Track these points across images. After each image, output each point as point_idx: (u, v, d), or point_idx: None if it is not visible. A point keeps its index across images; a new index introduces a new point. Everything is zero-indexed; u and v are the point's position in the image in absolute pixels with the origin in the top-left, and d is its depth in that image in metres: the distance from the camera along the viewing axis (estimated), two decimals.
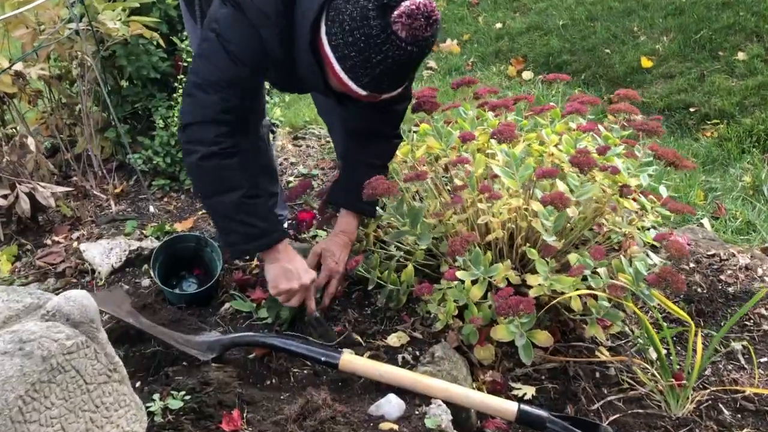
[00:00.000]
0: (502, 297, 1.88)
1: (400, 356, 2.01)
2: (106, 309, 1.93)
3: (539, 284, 2.00)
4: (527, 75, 4.68)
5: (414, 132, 2.52)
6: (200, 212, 3.01)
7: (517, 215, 2.16)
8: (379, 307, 2.20)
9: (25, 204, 2.75)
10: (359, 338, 2.07)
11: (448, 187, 2.30)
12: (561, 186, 2.07)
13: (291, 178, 3.28)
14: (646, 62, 4.42)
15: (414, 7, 1.55)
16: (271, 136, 2.75)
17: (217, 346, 1.92)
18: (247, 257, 2.41)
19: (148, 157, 3.17)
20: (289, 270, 1.98)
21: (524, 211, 2.14)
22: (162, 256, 2.29)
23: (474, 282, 1.99)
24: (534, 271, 2.18)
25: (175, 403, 1.70)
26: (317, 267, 2.14)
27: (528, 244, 2.16)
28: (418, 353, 2.03)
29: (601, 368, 2.09)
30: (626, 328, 2.18)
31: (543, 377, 2.06)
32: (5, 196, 2.74)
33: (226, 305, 2.24)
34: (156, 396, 1.72)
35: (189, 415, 1.68)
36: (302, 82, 1.96)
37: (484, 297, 2.00)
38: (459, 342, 2.07)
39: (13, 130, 3.09)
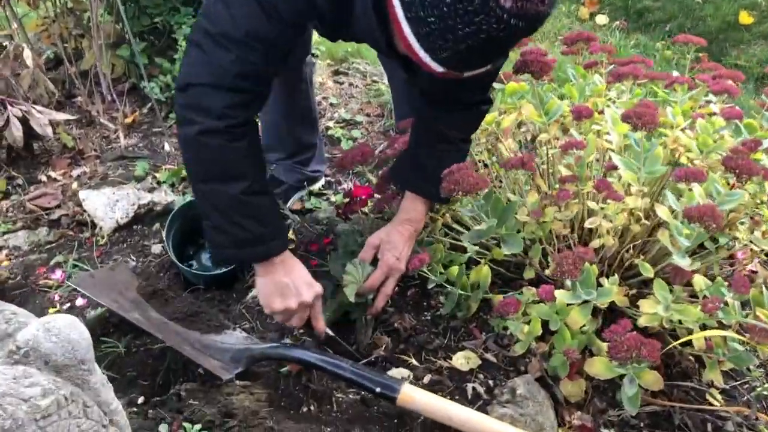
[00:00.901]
0: (616, 334, 1.45)
1: (470, 386, 1.59)
2: (105, 300, 1.51)
3: (655, 313, 1.57)
4: (601, 19, 4.09)
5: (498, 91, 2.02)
6: None
7: (632, 217, 1.70)
8: (441, 314, 1.77)
9: (17, 131, 2.29)
10: (411, 358, 1.65)
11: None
12: (698, 190, 1.60)
13: (330, 123, 2.80)
14: (745, 18, 3.80)
15: None
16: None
17: (243, 357, 1.51)
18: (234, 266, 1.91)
19: (166, 83, 2.68)
20: (285, 285, 1.53)
21: (639, 213, 1.69)
22: (178, 222, 1.86)
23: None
24: (642, 288, 1.76)
25: None
26: (374, 261, 1.70)
27: (642, 257, 1.71)
28: (491, 383, 1.62)
29: (714, 418, 1.68)
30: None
31: (642, 423, 1.65)
32: None
33: (254, 291, 1.82)
34: (164, 428, 1.32)
35: None
36: (357, 36, 1.48)
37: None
38: (542, 372, 1.66)
39: (8, 40, 2.59)
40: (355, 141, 2.71)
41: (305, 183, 2.34)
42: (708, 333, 1.52)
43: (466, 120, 1.73)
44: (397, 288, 1.80)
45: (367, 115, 2.88)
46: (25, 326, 0.97)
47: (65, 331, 0.95)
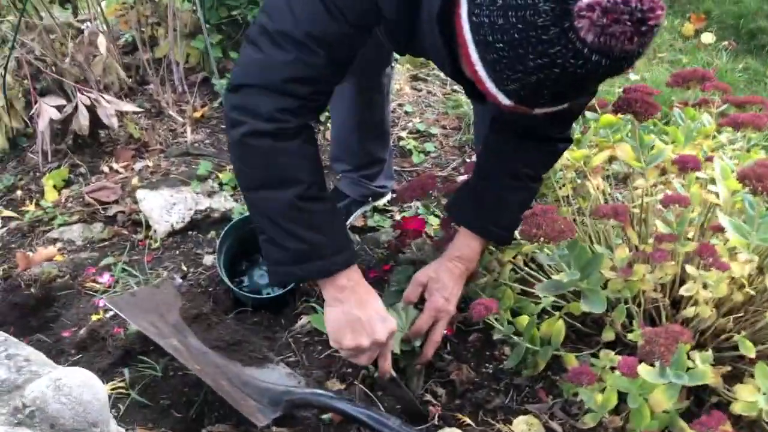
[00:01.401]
0: (707, 427, 1.25)
1: None
2: (143, 323, 1.41)
3: (753, 402, 1.36)
4: (707, 38, 3.76)
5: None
6: None
7: (734, 286, 1.49)
8: (504, 368, 1.60)
9: (83, 119, 2.24)
10: (466, 417, 1.48)
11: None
12: None
13: (403, 134, 2.65)
14: None
15: None
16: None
17: (283, 400, 1.38)
18: (299, 284, 1.75)
19: None
20: (357, 319, 1.35)
21: (744, 280, 1.47)
22: (232, 238, 1.75)
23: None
24: (738, 363, 1.55)
25: None
26: (421, 300, 1.54)
27: (743, 332, 1.49)
28: None
29: None
30: None
31: None
32: (60, 108, 2.23)
33: (304, 320, 1.69)
34: None
35: None
36: (425, 51, 1.33)
37: None
38: None
39: (86, 24, 2.55)
40: (427, 155, 2.55)
41: (370, 198, 2.20)
42: None
43: (539, 155, 1.55)
44: (454, 331, 1.64)
45: (443, 127, 2.71)
46: (37, 378, 0.87)
47: (77, 391, 0.84)
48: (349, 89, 1.94)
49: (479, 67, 1.05)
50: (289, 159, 1.32)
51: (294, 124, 1.30)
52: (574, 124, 1.57)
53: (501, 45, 0.98)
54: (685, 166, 1.43)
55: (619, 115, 1.51)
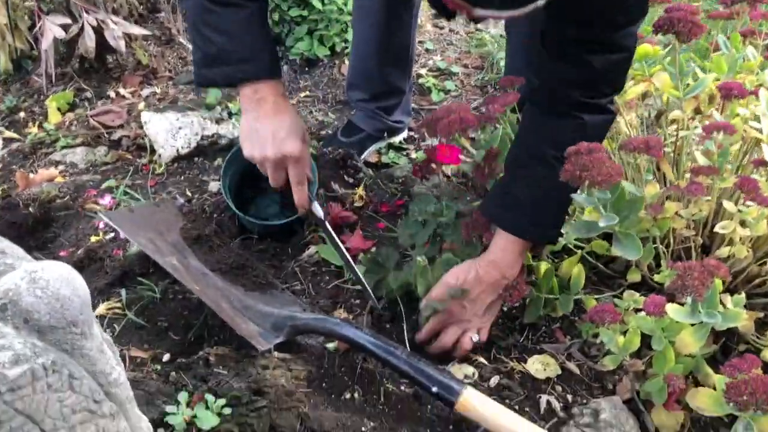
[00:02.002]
0: (738, 369, 1.16)
1: (544, 398, 1.34)
2: (141, 239, 1.33)
3: None
4: None
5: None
6: (303, 94, 2.33)
7: None
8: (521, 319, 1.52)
9: (90, 41, 2.14)
10: (478, 355, 1.40)
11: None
12: None
13: (423, 71, 2.53)
14: None
15: None
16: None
17: (286, 326, 1.31)
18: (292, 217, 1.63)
19: None
20: (254, 131, 1.35)
21: None
22: (238, 162, 1.65)
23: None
24: (766, 314, 1.46)
25: (207, 418, 1.12)
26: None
27: None
28: (570, 398, 1.36)
29: None
30: None
31: None
32: (66, 27, 2.13)
33: (311, 249, 1.61)
34: (183, 396, 1.14)
35: None
36: None
37: None
38: (632, 394, 1.39)
39: None
40: (447, 93, 2.44)
41: (385, 133, 2.10)
42: None
43: (568, 134, 1.29)
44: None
45: (465, 66, 2.58)
46: (11, 271, 0.79)
47: (54, 284, 0.75)
48: (377, 3, 1.82)
49: None
50: None
51: None
52: (614, 97, 1.37)
53: None
54: (730, 93, 1.31)
55: (660, 36, 1.39)
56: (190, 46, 2.47)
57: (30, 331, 0.75)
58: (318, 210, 1.40)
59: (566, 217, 1.40)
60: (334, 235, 1.43)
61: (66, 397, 0.79)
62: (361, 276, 1.43)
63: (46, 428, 0.78)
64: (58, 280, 0.76)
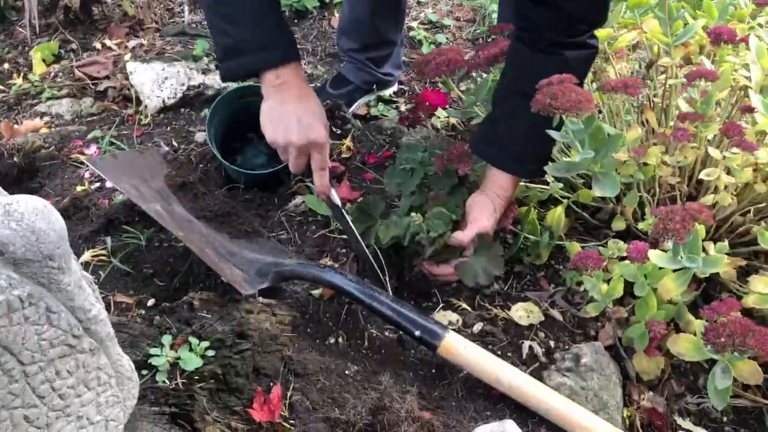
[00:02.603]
0: (718, 313, 1.17)
1: (527, 344, 1.36)
2: (124, 185, 1.33)
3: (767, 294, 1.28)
4: None
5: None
6: None
7: (758, 174, 1.38)
8: (503, 256, 1.52)
9: None
10: (462, 301, 1.41)
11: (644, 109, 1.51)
12: None
13: (414, 24, 2.49)
14: None
15: None
16: None
17: (271, 272, 1.31)
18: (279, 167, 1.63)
19: None
20: (277, 116, 1.32)
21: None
22: (225, 111, 1.64)
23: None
24: (753, 260, 1.47)
25: (190, 360, 1.13)
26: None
27: (763, 224, 1.40)
28: (553, 345, 1.38)
29: None
30: None
31: (725, 419, 1.39)
32: None
33: (298, 199, 1.61)
34: (167, 339, 1.15)
35: (207, 383, 1.11)
36: None
37: None
38: (614, 340, 1.40)
39: None
40: (438, 46, 2.40)
41: (375, 86, 2.08)
42: None
43: (548, 69, 1.27)
44: None
45: (457, 18, 2.55)
46: None
47: (29, 217, 0.75)
48: None
49: None
50: None
51: None
52: (594, 32, 1.36)
53: None
54: (719, 38, 1.30)
55: None
56: None
57: (5, 263, 0.75)
58: (335, 197, 1.39)
59: (549, 152, 1.41)
60: (351, 222, 1.41)
61: (44, 330, 0.80)
62: (369, 255, 1.41)
63: (24, 360, 0.78)
64: (33, 213, 0.76)
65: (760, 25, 1.53)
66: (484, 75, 1.63)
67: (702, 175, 1.31)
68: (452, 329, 1.35)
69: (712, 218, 1.17)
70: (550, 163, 1.39)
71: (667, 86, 1.48)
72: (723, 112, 1.41)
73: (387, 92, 2.16)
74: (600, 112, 1.64)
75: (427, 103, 1.63)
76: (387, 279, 1.39)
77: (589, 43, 1.33)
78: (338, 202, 1.39)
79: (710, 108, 1.32)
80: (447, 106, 1.64)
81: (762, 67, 1.35)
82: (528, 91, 1.29)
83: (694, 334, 1.26)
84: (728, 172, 1.32)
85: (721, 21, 1.47)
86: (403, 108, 2.12)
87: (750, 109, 1.30)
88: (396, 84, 2.18)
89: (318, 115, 1.33)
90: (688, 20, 1.45)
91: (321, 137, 1.32)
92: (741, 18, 1.57)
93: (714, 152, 1.30)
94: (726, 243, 1.33)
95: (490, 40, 2.33)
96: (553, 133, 1.30)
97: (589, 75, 1.63)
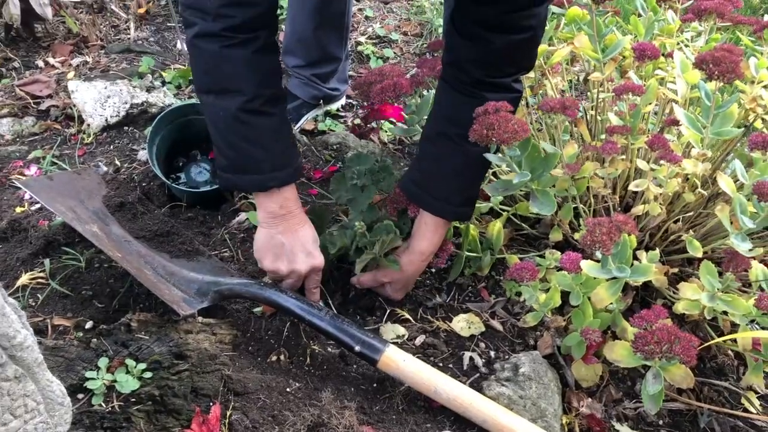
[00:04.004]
0: (647, 321, 1.21)
1: (467, 355, 1.38)
2: (59, 207, 1.32)
3: (697, 300, 1.32)
4: None
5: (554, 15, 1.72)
6: None
7: (686, 184, 1.43)
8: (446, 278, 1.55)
9: (14, 8, 2.08)
10: (406, 313, 1.43)
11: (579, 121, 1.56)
12: None
13: (362, 39, 2.52)
14: None
15: None
16: None
17: (211, 291, 1.31)
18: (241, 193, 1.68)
19: None
20: (280, 245, 1.33)
21: (696, 180, 1.42)
22: (167, 128, 1.64)
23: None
24: (685, 267, 1.52)
25: (127, 383, 1.12)
26: None
27: (692, 232, 1.45)
28: (493, 355, 1.40)
29: (747, 427, 1.45)
30: None
31: (661, 422, 1.43)
32: None
33: (241, 216, 1.61)
34: (103, 361, 1.15)
35: (144, 405, 1.11)
36: None
37: None
38: (553, 349, 1.44)
39: None
40: (386, 61, 2.44)
41: (321, 101, 2.09)
42: (759, 334, 1.27)
43: (468, 109, 1.29)
44: None
45: (404, 33, 2.58)
46: None
47: None
48: None
49: None
50: (234, 68, 1.25)
51: (240, 20, 1.22)
52: (521, 78, 1.39)
53: None
54: (644, 54, 1.35)
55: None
56: (122, 14, 2.41)
57: None
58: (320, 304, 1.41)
59: (476, 195, 1.43)
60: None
61: None
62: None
63: None
64: None
65: (686, 41, 1.58)
66: (424, 92, 1.65)
67: (631, 186, 1.35)
68: (398, 342, 1.37)
69: (636, 229, 1.20)
70: (488, 184, 1.43)
71: (600, 100, 1.52)
72: (652, 125, 1.45)
73: (334, 106, 2.17)
74: (539, 125, 1.68)
75: (376, 112, 1.64)
76: (329, 298, 1.41)
77: (514, 86, 1.35)
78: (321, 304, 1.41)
79: (638, 121, 1.37)
80: (403, 120, 1.64)
81: (686, 81, 1.40)
82: (451, 132, 1.34)
83: (630, 342, 1.30)
84: (658, 183, 1.36)
85: (649, 36, 1.53)
86: (350, 122, 2.14)
87: (675, 122, 1.35)
88: (343, 98, 2.20)
89: (316, 241, 1.37)
90: (617, 35, 1.50)
91: (321, 263, 1.36)
92: (669, 32, 1.63)
93: (642, 164, 1.34)
94: (657, 251, 1.37)
95: (434, 55, 2.37)
96: (490, 157, 1.33)
97: (527, 89, 1.67)
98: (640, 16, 1.65)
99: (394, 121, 1.93)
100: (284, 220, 1.34)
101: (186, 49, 2.29)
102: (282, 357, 1.32)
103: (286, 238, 1.33)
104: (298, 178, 1.36)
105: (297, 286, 1.38)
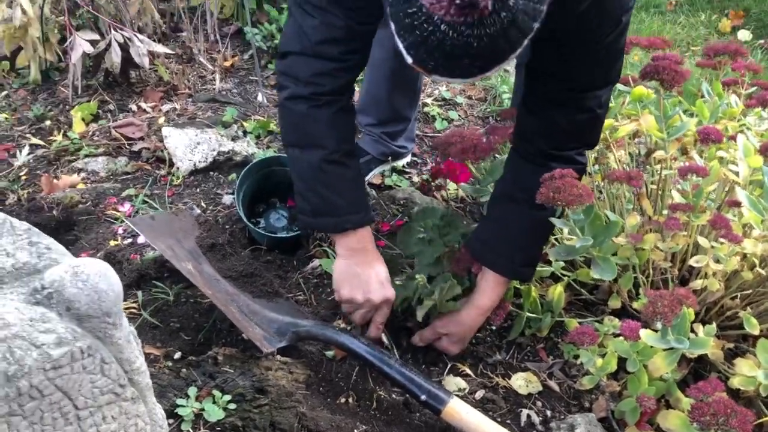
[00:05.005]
0: (704, 393, 1.26)
1: (525, 412, 1.44)
2: (160, 244, 1.44)
3: (753, 377, 1.37)
4: (744, 35, 3.70)
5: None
6: None
7: (745, 263, 1.49)
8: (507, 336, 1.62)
9: (116, 56, 2.27)
10: (467, 368, 1.51)
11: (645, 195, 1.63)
12: None
13: (428, 100, 2.65)
14: None
15: None
16: None
17: (290, 332, 1.41)
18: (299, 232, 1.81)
19: (270, 33, 2.60)
20: (357, 275, 1.46)
21: (755, 259, 1.47)
22: (252, 177, 1.77)
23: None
24: (741, 343, 1.56)
25: (213, 412, 1.22)
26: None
27: (749, 309, 1.50)
28: (549, 414, 1.46)
29: None
30: None
31: None
32: (94, 43, 2.26)
33: (315, 262, 1.72)
34: (192, 390, 1.25)
35: None
36: None
37: None
38: (607, 413, 1.49)
39: None
40: (450, 122, 2.56)
41: (390, 157, 2.22)
42: None
43: (535, 177, 1.38)
44: None
45: (469, 97, 2.71)
46: (56, 264, 0.90)
47: (94, 278, 0.86)
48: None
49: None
50: (318, 126, 1.43)
51: (329, 88, 1.40)
52: (587, 152, 1.50)
53: None
54: (708, 137, 1.43)
55: (645, 82, 1.51)
56: (209, 66, 2.60)
57: (71, 318, 0.86)
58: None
59: (538, 257, 1.52)
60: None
61: (97, 379, 0.90)
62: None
63: (79, 405, 0.88)
64: (97, 275, 0.87)
65: (748, 126, 1.66)
66: (494, 157, 1.76)
67: (692, 262, 1.42)
68: (458, 395, 1.44)
69: (696, 303, 1.27)
70: (551, 248, 1.51)
71: (662, 176, 1.60)
72: (715, 203, 1.52)
73: (401, 163, 2.29)
74: (600, 193, 1.76)
75: (443, 173, 1.75)
76: (393, 347, 1.50)
77: (577, 159, 1.44)
78: (387, 343, 1.52)
79: (700, 200, 1.44)
80: (469, 180, 1.75)
81: (748, 164, 1.48)
82: (518, 196, 1.45)
83: (684, 411, 1.35)
84: (717, 260, 1.43)
85: (713, 119, 1.61)
86: (415, 178, 2.25)
87: (737, 204, 1.42)
88: (409, 156, 2.32)
89: (388, 277, 1.49)
90: (682, 117, 1.58)
91: (393, 295, 1.47)
92: (732, 116, 1.71)
93: (703, 241, 1.41)
94: (714, 326, 1.43)
95: (499, 119, 2.49)
96: (554, 220, 1.42)
97: (591, 158, 1.76)
98: (703, 98, 1.74)
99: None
100: (361, 253, 1.47)
101: (265, 101, 2.47)
102: (350, 400, 1.41)
103: (361, 269, 1.46)
104: (370, 222, 1.50)
105: (366, 319, 1.49)
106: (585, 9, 1.21)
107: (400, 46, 1.05)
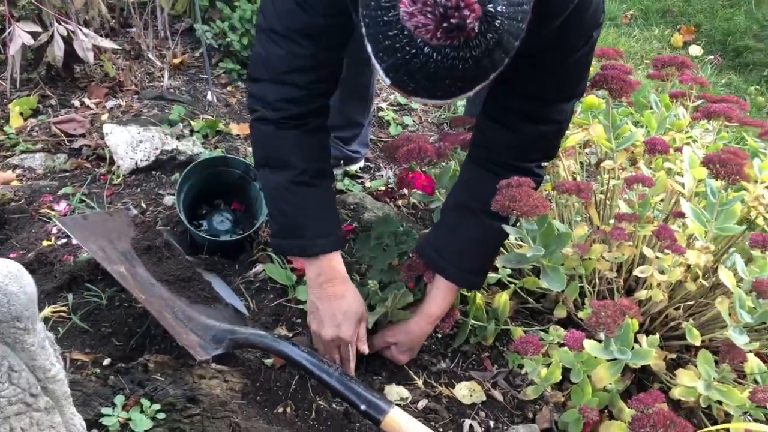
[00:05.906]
0: (644, 405, 1.26)
1: (467, 423, 1.42)
2: (91, 246, 1.38)
3: (693, 388, 1.37)
4: (695, 50, 3.78)
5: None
6: None
7: (688, 273, 1.49)
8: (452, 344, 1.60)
9: (58, 50, 2.18)
10: (413, 375, 1.48)
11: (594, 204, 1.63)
12: None
13: (384, 105, 2.63)
14: None
15: None
16: None
17: (226, 339, 1.36)
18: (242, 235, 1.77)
19: (222, 31, 2.54)
20: (317, 310, 1.43)
21: (698, 270, 1.48)
22: (194, 178, 1.71)
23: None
24: (683, 353, 1.56)
25: (141, 422, 1.16)
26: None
27: (691, 320, 1.50)
28: (492, 424, 1.44)
29: None
30: None
31: None
32: (35, 35, 2.17)
33: (258, 267, 1.67)
34: (119, 399, 1.19)
35: None
36: None
37: None
38: (551, 424, 1.47)
39: None
40: (405, 128, 2.53)
41: (342, 162, 2.18)
42: (751, 426, 1.31)
43: (490, 187, 1.35)
44: None
45: (424, 103, 2.69)
46: None
47: (3, 280, 0.80)
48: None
49: (366, 41, 1.01)
50: (286, 146, 1.41)
51: (296, 112, 1.39)
52: (544, 162, 1.47)
53: (367, 20, 0.98)
54: (654, 148, 1.43)
55: (594, 91, 1.51)
56: (158, 62, 2.53)
57: None
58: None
59: (489, 267, 1.50)
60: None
61: (4, 388, 0.84)
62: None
63: None
64: (6, 276, 0.81)
65: (695, 137, 1.67)
66: (444, 163, 1.74)
67: (636, 272, 1.42)
68: (401, 404, 1.40)
69: (639, 314, 1.26)
70: (501, 256, 1.49)
71: (610, 186, 1.60)
72: (658, 212, 1.53)
73: (353, 168, 2.26)
74: (550, 202, 1.76)
75: (408, 182, 1.72)
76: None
77: (536, 171, 1.43)
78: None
79: (646, 210, 1.44)
80: (434, 193, 1.73)
81: (693, 176, 1.48)
82: (472, 205, 1.43)
83: (626, 422, 1.34)
84: (661, 271, 1.43)
85: (661, 131, 1.61)
86: (368, 183, 2.22)
87: (681, 215, 1.42)
88: (362, 161, 2.29)
89: (350, 313, 1.42)
90: (631, 127, 1.59)
91: (347, 336, 1.41)
92: (680, 128, 1.72)
93: (648, 251, 1.40)
94: (657, 336, 1.43)
95: (452, 127, 2.47)
96: (508, 229, 1.39)
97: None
98: (652, 109, 1.75)
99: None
100: (323, 286, 1.43)
101: (215, 100, 2.41)
102: (288, 409, 1.36)
103: (321, 303, 1.42)
104: (339, 247, 1.46)
105: (332, 353, 1.43)
106: (560, 25, 1.19)
107: (378, 68, 1.01)
